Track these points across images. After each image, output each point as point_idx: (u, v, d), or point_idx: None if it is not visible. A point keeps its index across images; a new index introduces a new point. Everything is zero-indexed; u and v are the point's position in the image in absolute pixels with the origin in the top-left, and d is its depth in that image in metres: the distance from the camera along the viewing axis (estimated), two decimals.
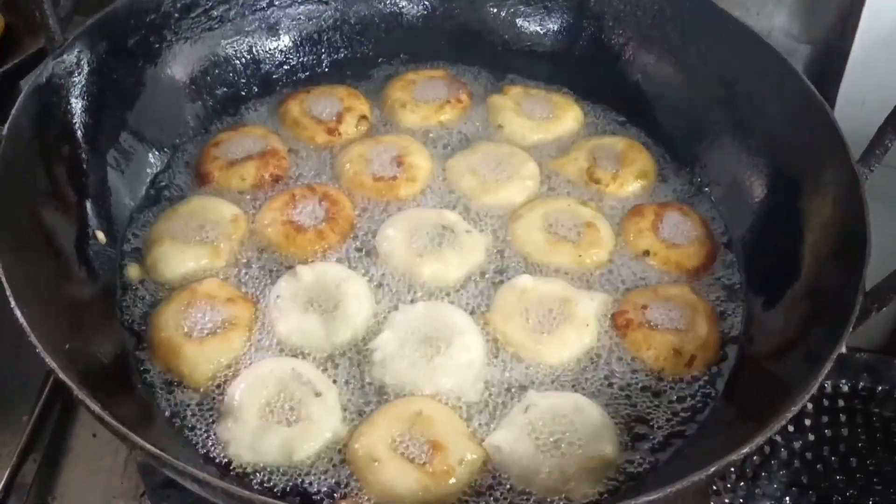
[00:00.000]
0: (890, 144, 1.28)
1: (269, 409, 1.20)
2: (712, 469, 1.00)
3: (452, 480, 1.16)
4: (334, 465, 1.18)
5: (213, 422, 1.21)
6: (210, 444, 1.20)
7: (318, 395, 1.22)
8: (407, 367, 1.25)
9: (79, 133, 1.39)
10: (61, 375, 1.03)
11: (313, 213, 1.43)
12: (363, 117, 1.60)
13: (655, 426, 1.25)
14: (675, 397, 1.28)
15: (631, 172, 1.54)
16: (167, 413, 1.23)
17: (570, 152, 1.57)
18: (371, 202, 1.48)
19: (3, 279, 1.10)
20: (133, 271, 1.38)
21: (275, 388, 1.22)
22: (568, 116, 1.63)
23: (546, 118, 1.62)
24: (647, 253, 1.44)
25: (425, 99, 1.62)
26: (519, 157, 1.54)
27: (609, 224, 1.47)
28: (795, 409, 1.05)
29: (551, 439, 1.20)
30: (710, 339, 1.33)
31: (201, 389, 1.25)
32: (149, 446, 0.99)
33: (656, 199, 1.53)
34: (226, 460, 1.18)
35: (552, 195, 1.52)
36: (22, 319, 1.06)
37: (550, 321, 1.32)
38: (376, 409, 1.23)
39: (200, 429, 1.21)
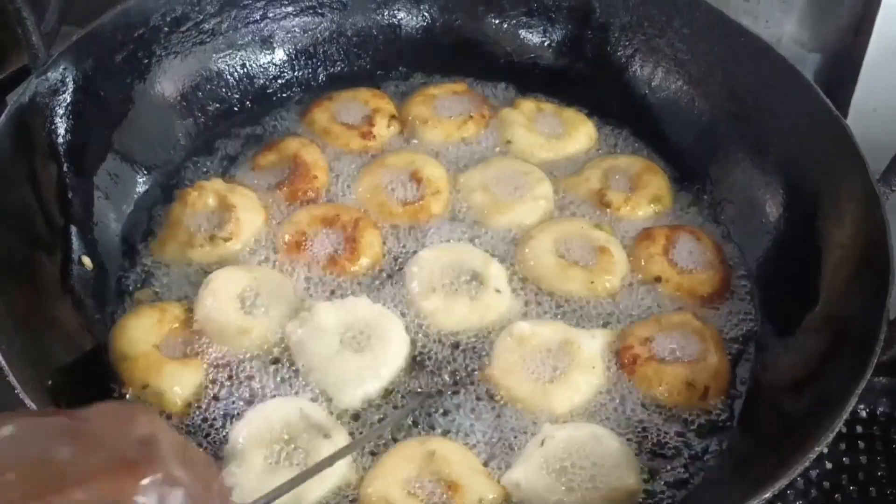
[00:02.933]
0: None
1: (276, 453, 1.17)
2: None
3: None
4: None
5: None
6: None
7: (326, 437, 1.17)
8: None
9: (64, 155, 1.36)
10: None
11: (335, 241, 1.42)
12: (392, 117, 1.58)
13: (673, 459, 1.22)
14: (692, 429, 1.25)
15: (644, 196, 1.50)
16: None
17: (582, 172, 1.54)
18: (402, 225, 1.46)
19: None
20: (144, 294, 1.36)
21: (281, 430, 1.18)
22: (580, 134, 1.59)
23: (557, 135, 1.59)
24: (658, 279, 1.40)
25: (447, 114, 1.60)
26: (534, 175, 1.51)
27: (622, 249, 1.43)
28: (818, 449, 1.02)
29: (571, 472, 1.17)
30: (722, 367, 1.30)
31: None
32: None
33: (665, 219, 1.50)
34: None
35: (565, 216, 1.49)
36: (0, 359, 1.02)
37: (554, 368, 1.27)
38: (386, 450, 1.19)
39: None
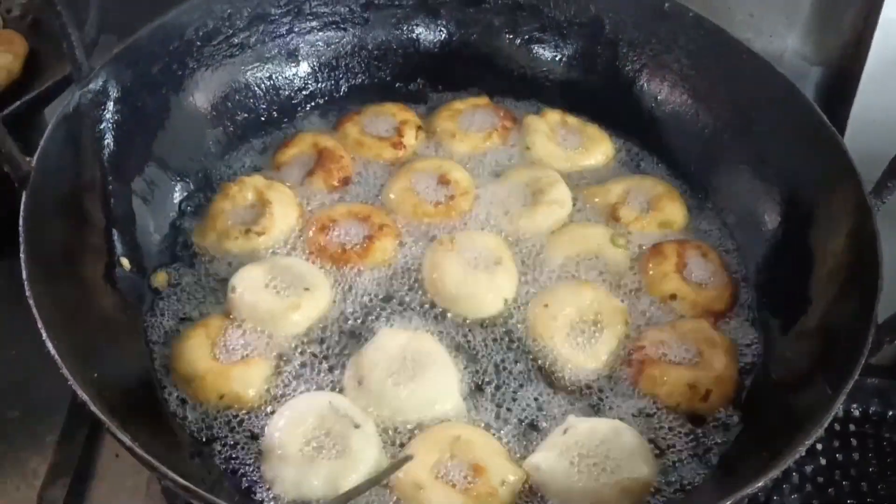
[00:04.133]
0: None
1: (311, 444, 1.22)
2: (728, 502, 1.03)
3: (496, 502, 1.19)
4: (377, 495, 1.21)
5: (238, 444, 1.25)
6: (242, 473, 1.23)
7: (356, 426, 1.23)
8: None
9: (106, 162, 1.41)
10: (93, 408, 1.05)
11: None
12: (419, 128, 1.65)
13: (678, 454, 1.27)
14: (690, 428, 1.30)
15: (656, 219, 1.53)
16: (194, 438, 1.26)
17: (606, 184, 1.58)
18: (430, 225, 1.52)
19: (35, 310, 1.12)
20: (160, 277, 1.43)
21: (314, 422, 1.24)
22: (597, 151, 1.64)
23: (575, 149, 1.63)
24: (673, 297, 1.43)
25: (473, 128, 1.65)
26: (549, 178, 1.55)
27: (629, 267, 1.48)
28: (808, 443, 1.08)
29: (589, 460, 1.22)
30: (727, 374, 1.33)
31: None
32: (182, 480, 1.02)
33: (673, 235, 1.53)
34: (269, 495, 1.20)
35: (583, 223, 1.53)
36: (53, 352, 1.09)
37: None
38: (412, 436, 1.25)
39: (238, 459, 1.25)
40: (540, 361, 1.36)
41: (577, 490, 1.20)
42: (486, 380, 1.34)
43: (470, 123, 1.66)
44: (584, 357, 1.35)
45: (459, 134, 1.64)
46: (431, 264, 1.43)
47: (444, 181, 1.55)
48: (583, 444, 1.23)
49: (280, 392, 1.30)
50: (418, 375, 1.29)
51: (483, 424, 1.28)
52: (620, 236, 1.50)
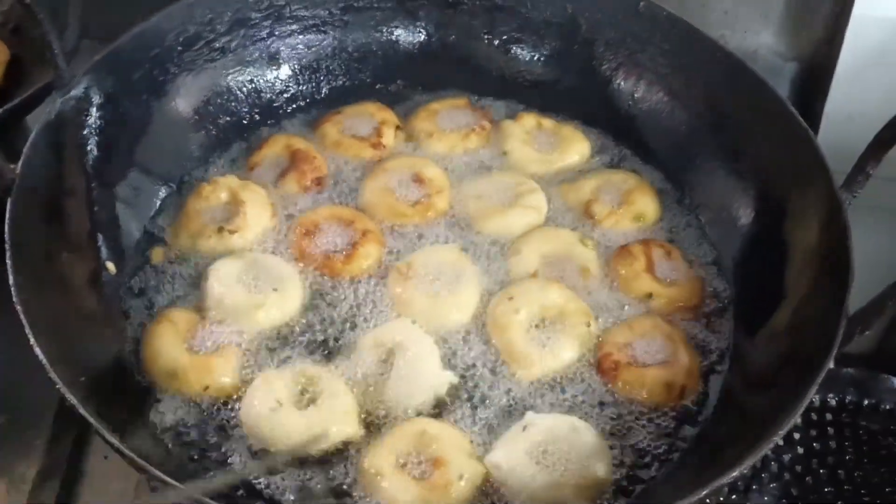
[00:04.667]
0: (871, 172, 1.32)
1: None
2: (704, 492, 1.05)
3: (453, 495, 1.21)
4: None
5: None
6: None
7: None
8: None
9: (89, 168, 1.42)
10: (82, 411, 1.07)
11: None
12: (398, 127, 1.66)
13: (648, 447, 1.30)
14: (668, 420, 1.33)
15: (628, 213, 1.54)
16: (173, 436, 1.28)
17: (577, 180, 1.60)
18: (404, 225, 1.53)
19: (22, 315, 1.14)
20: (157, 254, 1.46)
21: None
22: (573, 151, 1.65)
23: (551, 150, 1.65)
24: (649, 295, 1.44)
25: (450, 127, 1.66)
26: (527, 185, 1.57)
27: (600, 267, 1.49)
28: (782, 433, 1.10)
29: (548, 458, 1.24)
30: (693, 366, 1.36)
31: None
32: (171, 481, 1.04)
33: (646, 232, 1.55)
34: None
35: (550, 225, 1.55)
36: (42, 356, 1.10)
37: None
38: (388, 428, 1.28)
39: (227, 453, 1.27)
40: (502, 355, 1.37)
41: (535, 487, 1.22)
42: (460, 374, 1.35)
43: (447, 123, 1.67)
44: (542, 353, 1.36)
45: (437, 133, 1.65)
46: (393, 294, 1.43)
47: (418, 179, 1.56)
48: (541, 441, 1.25)
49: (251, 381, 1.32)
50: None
51: (454, 419, 1.30)
52: (589, 238, 1.51)
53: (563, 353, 1.36)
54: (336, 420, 1.26)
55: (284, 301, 1.40)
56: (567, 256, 1.48)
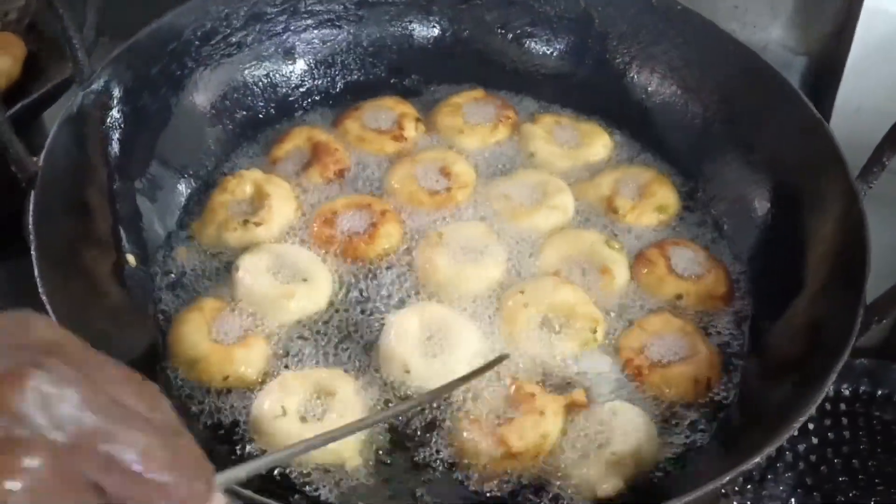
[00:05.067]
0: (888, 161, 1.32)
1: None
2: (726, 478, 1.07)
3: None
4: None
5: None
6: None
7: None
8: None
9: (110, 163, 1.43)
10: None
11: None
12: (418, 120, 1.67)
13: (673, 434, 1.31)
14: (689, 411, 1.33)
15: (650, 205, 1.55)
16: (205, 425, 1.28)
17: (594, 178, 1.60)
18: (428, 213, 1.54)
19: (47, 305, 1.14)
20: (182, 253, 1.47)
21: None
22: (597, 144, 1.65)
23: (575, 146, 1.65)
24: (679, 297, 1.44)
25: (477, 121, 1.67)
26: (554, 184, 1.56)
27: (627, 269, 1.47)
28: (802, 420, 1.11)
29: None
30: (713, 357, 1.36)
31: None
32: None
33: (668, 230, 1.56)
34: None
35: (577, 225, 1.54)
36: None
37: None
38: None
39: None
40: (506, 344, 1.37)
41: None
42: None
43: (473, 118, 1.68)
44: (539, 348, 1.36)
45: (466, 129, 1.65)
46: (423, 259, 1.46)
47: (445, 173, 1.57)
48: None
49: (275, 374, 1.33)
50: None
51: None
52: (615, 240, 1.50)
53: (560, 350, 1.36)
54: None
55: (315, 290, 1.41)
56: (590, 257, 1.48)
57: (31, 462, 0.58)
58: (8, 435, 0.58)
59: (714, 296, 1.45)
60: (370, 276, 1.46)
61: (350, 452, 1.24)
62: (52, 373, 0.61)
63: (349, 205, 1.53)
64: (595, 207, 1.57)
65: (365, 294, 1.43)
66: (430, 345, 1.34)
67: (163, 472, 0.62)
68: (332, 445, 1.03)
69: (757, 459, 1.08)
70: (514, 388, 1.28)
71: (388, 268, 1.46)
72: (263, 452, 1.24)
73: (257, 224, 1.48)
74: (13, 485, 0.56)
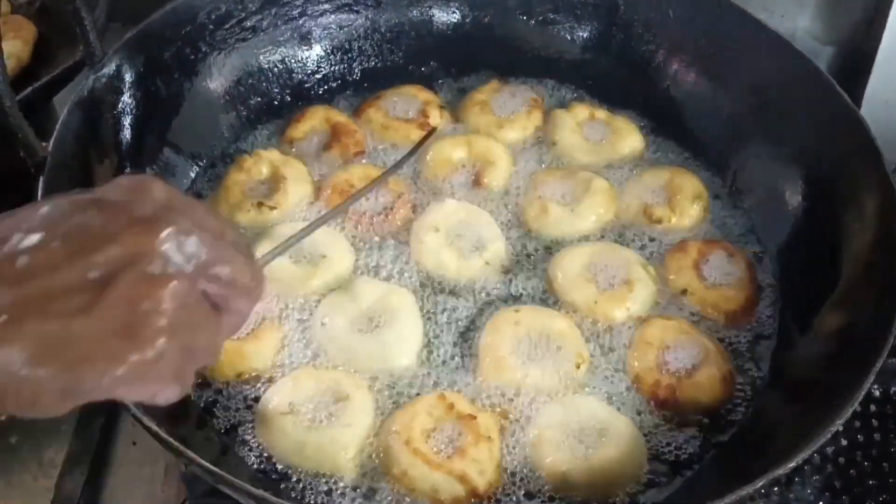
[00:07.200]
0: None
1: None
2: (760, 483, 1.05)
3: None
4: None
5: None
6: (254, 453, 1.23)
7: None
8: None
9: (121, 149, 1.41)
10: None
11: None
12: (442, 107, 1.64)
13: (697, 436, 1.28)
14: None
15: (685, 198, 1.50)
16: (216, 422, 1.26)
17: (622, 196, 1.53)
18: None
19: None
20: None
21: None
22: (625, 143, 1.61)
23: (602, 142, 1.61)
24: (684, 292, 1.41)
25: (509, 113, 1.64)
26: (596, 184, 1.52)
27: (652, 289, 1.42)
28: (840, 422, 1.07)
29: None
30: (722, 350, 1.34)
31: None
32: (208, 465, 1.02)
33: (707, 226, 1.53)
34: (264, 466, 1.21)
35: (612, 239, 1.50)
36: None
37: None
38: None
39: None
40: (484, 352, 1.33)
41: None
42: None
43: (503, 110, 1.65)
44: (519, 368, 1.30)
45: (503, 123, 1.62)
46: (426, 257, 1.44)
47: (483, 160, 1.56)
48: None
49: (287, 362, 1.31)
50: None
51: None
52: (651, 265, 1.44)
53: (538, 380, 1.30)
54: (330, 454, 1.21)
55: (335, 265, 1.39)
56: (617, 266, 1.43)
57: (179, 287, 0.81)
58: (163, 271, 0.80)
59: (718, 308, 1.40)
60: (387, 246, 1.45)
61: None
62: (176, 223, 0.83)
63: (364, 176, 1.49)
64: (636, 224, 1.51)
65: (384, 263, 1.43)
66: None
67: (244, 277, 0.89)
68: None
69: (793, 464, 1.06)
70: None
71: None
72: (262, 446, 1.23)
73: (272, 208, 1.45)
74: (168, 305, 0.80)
